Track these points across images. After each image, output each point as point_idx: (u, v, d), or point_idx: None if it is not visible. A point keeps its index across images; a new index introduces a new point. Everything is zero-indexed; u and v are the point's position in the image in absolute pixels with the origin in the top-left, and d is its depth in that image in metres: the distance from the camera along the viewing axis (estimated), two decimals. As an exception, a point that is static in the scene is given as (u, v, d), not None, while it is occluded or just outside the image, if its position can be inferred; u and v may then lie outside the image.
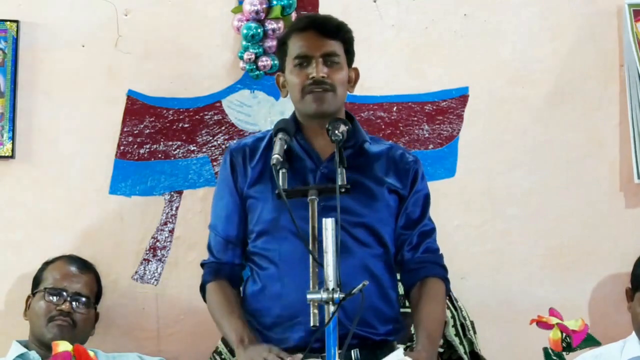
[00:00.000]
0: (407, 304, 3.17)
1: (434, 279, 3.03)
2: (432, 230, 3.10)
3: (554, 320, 2.88)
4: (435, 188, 3.85)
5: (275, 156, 2.74)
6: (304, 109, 3.01)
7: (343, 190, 2.69)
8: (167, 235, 3.90)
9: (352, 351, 2.91)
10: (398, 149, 3.15)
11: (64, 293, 3.54)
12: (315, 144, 3.03)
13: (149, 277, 3.89)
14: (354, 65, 3.13)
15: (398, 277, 3.13)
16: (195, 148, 3.93)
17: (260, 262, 3.03)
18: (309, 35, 3.00)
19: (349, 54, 3.07)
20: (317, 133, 3.02)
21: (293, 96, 3.03)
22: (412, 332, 3.22)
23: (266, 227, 3.01)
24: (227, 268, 3.09)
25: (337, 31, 3.02)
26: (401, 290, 3.16)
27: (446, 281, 3.06)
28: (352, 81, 3.11)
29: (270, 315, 2.97)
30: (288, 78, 3.02)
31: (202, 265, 3.16)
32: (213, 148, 3.92)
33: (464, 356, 3.59)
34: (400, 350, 2.71)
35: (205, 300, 3.13)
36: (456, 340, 3.60)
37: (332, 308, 2.52)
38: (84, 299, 3.57)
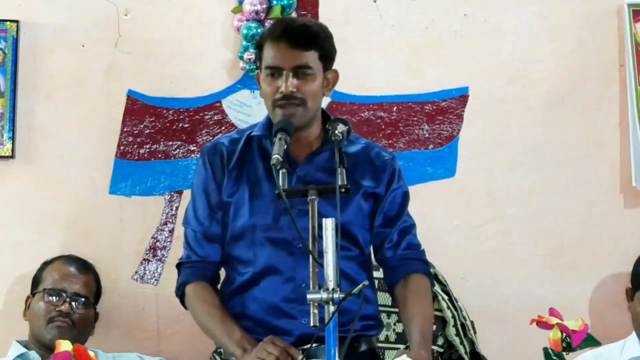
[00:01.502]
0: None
1: (417, 275, 3.01)
2: (412, 226, 3.08)
3: (554, 320, 2.88)
4: (436, 188, 3.87)
5: (275, 156, 2.72)
6: (274, 120, 2.97)
7: (343, 190, 2.69)
8: (167, 235, 3.90)
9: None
10: (374, 148, 3.12)
11: (64, 294, 3.54)
12: (289, 148, 2.97)
13: (149, 277, 3.89)
14: (334, 67, 3.04)
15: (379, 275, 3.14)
16: (195, 148, 3.93)
17: (236, 266, 3.01)
18: (280, 46, 2.92)
19: (326, 59, 2.99)
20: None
21: (265, 103, 3.00)
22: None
23: (241, 231, 2.98)
24: (207, 266, 3.04)
25: (311, 42, 2.94)
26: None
27: (430, 276, 3.05)
28: (330, 84, 3.04)
29: (249, 319, 2.95)
30: (261, 84, 2.99)
31: (179, 265, 3.09)
32: (213, 148, 3.92)
33: (465, 356, 3.59)
34: (404, 357, 2.71)
35: (182, 303, 3.07)
36: (457, 340, 3.60)
37: (332, 308, 2.52)
38: (83, 300, 3.57)
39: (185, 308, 3.07)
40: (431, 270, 3.10)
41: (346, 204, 2.95)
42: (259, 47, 3.00)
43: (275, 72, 2.93)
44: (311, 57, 2.94)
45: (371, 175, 3.04)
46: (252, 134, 3.06)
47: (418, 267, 3.03)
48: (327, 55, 3.00)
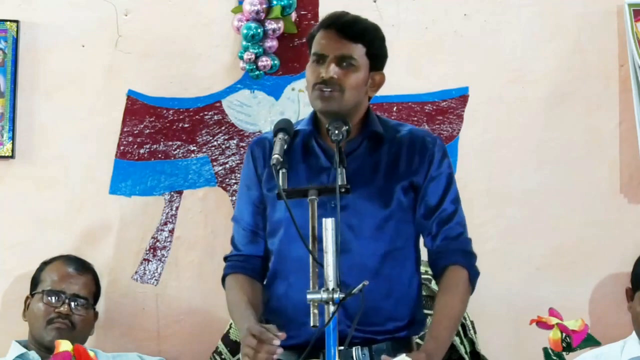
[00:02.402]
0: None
1: (452, 267, 2.94)
2: (452, 214, 3.00)
3: (554, 320, 2.87)
4: (435, 188, 3.86)
5: (275, 156, 2.71)
6: (313, 106, 2.98)
7: (343, 190, 2.68)
8: (167, 235, 3.90)
9: (354, 349, 2.89)
10: (418, 133, 3.06)
11: (63, 295, 3.54)
12: (331, 142, 2.99)
13: (149, 277, 3.89)
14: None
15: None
16: (195, 148, 3.93)
17: (272, 259, 3.02)
18: (329, 34, 2.95)
19: (375, 58, 2.98)
20: None
21: (307, 91, 3.00)
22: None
23: (273, 226, 3.00)
24: (249, 261, 3.05)
25: (358, 35, 2.95)
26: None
27: (468, 266, 2.95)
28: (375, 85, 3.01)
29: (279, 315, 2.95)
30: (306, 72, 3.00)
31: (225, 258, 3.11)
32: (213, 148, 3.92)
33: (465, 356, 3.60)
34: (403, 356, 2.69)
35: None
36: (457, 340, 3.60)
37: (332, 308, 2.52)
38: (82, 301, 3.56)
39: None
40: (474, 260, 2.99)
41: (389, 199, 2.94)
42: (311, 38, 3.00)
43: (320, 58, 2.94)
44: (357, 50, 2.94)
45: (411, 165, 2.98)
46: (297, 128, 3.03)
47: (455, 259, 2.95)
48: (375, 54, 2.98)
